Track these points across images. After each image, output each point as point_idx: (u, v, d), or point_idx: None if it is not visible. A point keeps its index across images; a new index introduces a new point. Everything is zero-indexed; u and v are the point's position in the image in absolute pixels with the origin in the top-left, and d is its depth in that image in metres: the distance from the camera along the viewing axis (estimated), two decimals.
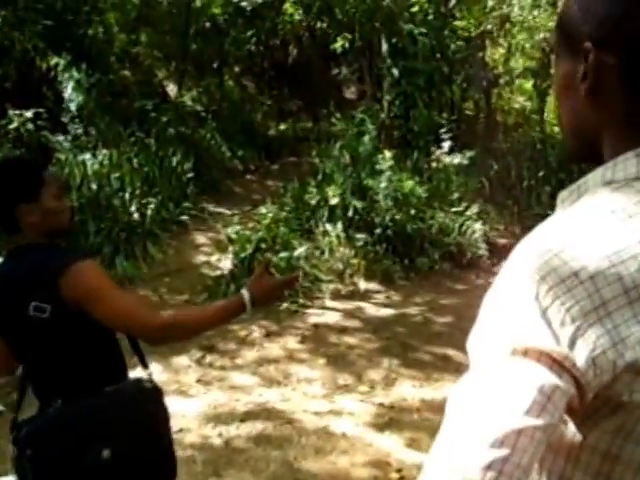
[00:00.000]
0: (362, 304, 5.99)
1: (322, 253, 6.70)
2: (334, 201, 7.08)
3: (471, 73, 9.71)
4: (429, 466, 0.66)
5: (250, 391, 4.25)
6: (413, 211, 7.08)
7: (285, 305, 5.70)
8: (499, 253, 6.97)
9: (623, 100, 0.75)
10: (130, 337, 1.87)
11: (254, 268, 5.54)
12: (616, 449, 0.71)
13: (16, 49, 7.50)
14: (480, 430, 0.64)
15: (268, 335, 5.18)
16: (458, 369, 4.38)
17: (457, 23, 9.26)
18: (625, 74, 0.74)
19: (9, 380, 2.74)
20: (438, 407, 3.80)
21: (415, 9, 8.40)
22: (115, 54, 9.74)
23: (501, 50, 10.45)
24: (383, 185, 7.05)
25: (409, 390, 4.27)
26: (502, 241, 7.51)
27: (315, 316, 5.64)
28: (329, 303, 5.97)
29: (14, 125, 6.84)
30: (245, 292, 1.80)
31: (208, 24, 10.40)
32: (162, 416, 1.87)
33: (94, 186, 6.73)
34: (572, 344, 0.67)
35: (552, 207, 0.82)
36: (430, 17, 8.74)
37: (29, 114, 6.93)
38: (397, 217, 6.96)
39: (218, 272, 6.34)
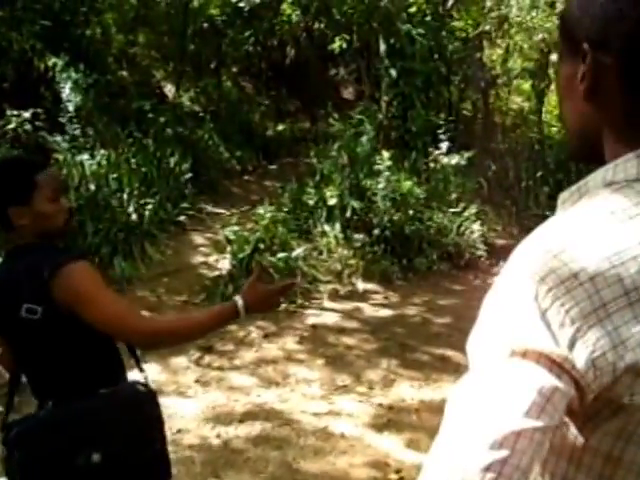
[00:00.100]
0: (360, 305, 5.98)
1: (320, 253, 6.70)
2: (332, 201, 7.07)
3: (469, 74, 9.70)
4: (428, 467, 0.66)
5: (249, 392, 4.24)
6: (411, 212, 7.07)
7: (283, 306, 5.69)
8: (497, 254, 6.97)
9: (622, 100, 0.75)
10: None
11: (252, 269, 5.54)
12: (618, 451, 0.71)
13: (14, 49, 7.48)
14: (479, 431, 0.64)
15: (266, 336, 5.18)
16: (457, 370, 4.38)
17: (455, 24, 9.26)
18: (623, 74, 0.74)
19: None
20: (437, 408, 3.80)
21: (413, 10, 8.39)
22: (113, 55, 9.72)
23: (499, 51, 10.44)
24: (381, 186, 7.05)
25: (408, 391, 4.27)
26: (500, 242, 7.51)
27: (313, 317, 5.64)
28: (327, 304, 5.96)
29: (12, 125, 6.82)
30: (239, 299, 1.77)
31: (206, 25, 10.37)
32: (156, 419, 1.86)
33: (92, 186, 6.72)
34: (572, 346, 0.66)
35: (550, 208, 0.82)
36: (428, 18, 8.71)
37: (27, 114, 6.90)
38: (395, 218, 6.95)
39: (216, 272, 6.33)
